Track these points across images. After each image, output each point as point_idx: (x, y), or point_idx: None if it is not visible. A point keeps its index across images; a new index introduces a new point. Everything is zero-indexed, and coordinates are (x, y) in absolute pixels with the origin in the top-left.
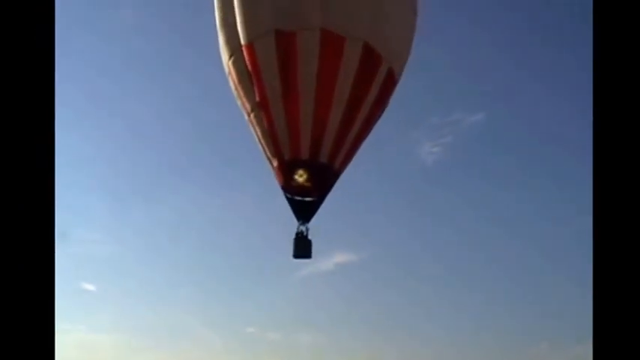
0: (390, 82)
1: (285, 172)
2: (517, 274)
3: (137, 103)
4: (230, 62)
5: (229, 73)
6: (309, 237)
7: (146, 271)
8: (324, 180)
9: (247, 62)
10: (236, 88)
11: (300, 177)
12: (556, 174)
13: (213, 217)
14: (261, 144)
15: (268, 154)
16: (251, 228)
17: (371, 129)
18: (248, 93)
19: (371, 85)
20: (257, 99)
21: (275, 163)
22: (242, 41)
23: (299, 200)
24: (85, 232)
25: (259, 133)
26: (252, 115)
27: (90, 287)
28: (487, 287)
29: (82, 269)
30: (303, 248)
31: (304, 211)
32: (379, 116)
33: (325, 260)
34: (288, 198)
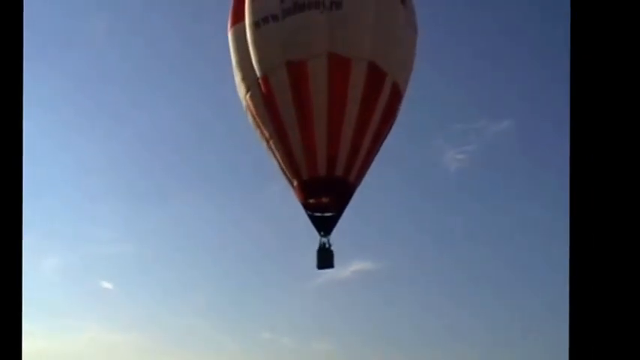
0: (396, 96)
1: (305, 190)
2: (543, 287)
3: (160, 111)
4: (247, 96)
5: (247, 106)
6: (332, 248)
7: (164, 271)
8: (341, 192)
9: (264, 94)
10: (254, 119)
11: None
12: None
13: (232, 221)
14: (281, 167)
15: (288, 175)
16: (269, 234)
17: (382, 141)
18: (265, 122)
19: (378, 100)
20: (274, 126)
21: (295, 183)
22: (257, 74)
23: (319, 216)
24: (104, 231)
25: (278, 158)
26: (270, 142)
27: (108, 286)
28: (510, 298)
29: (101, 268)
30: (325, 260)
31: (324, 226)
32: (389, 129)
33: (343, 268)
34: (308, 214)
